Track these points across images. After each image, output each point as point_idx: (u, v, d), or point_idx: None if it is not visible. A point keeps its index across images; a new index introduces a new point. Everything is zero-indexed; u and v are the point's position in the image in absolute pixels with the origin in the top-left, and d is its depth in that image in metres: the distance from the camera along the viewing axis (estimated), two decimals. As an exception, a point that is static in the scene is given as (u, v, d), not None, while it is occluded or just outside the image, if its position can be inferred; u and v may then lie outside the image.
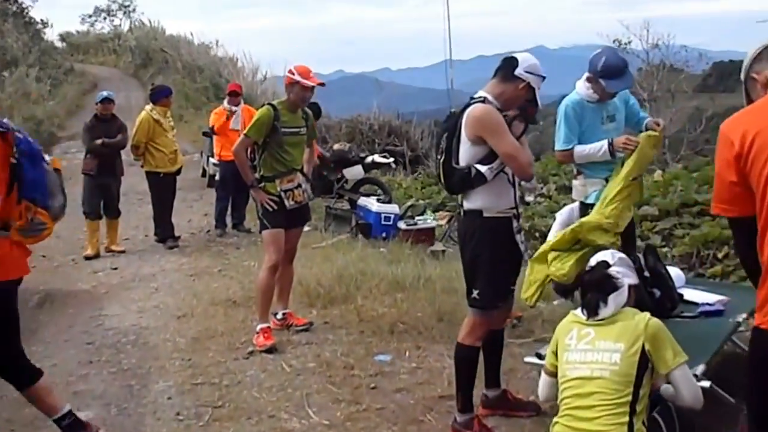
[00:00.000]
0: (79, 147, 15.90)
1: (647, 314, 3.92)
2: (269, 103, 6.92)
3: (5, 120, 4.36)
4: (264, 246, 7.01)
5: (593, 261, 4.25)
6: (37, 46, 34.85)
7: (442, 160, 4.75)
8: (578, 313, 4.06)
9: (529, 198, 11.06)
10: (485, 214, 4.70)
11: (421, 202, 13.45)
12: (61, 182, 4.67)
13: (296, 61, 6.96)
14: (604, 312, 3.95)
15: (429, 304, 7.50)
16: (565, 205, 9.13)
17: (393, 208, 12.18)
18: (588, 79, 5.73)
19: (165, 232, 11.31)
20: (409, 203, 12.90)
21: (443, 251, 10.80)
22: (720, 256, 8.90)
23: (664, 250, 9.45)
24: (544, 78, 4.77)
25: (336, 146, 13.90)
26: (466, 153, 4.65)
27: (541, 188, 13.95)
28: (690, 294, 5.84)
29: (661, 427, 4.01)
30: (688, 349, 3.95)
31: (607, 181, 5.62)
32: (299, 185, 6.93)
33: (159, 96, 11.19)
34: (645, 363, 3.77)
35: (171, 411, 5.58)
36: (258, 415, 5.42)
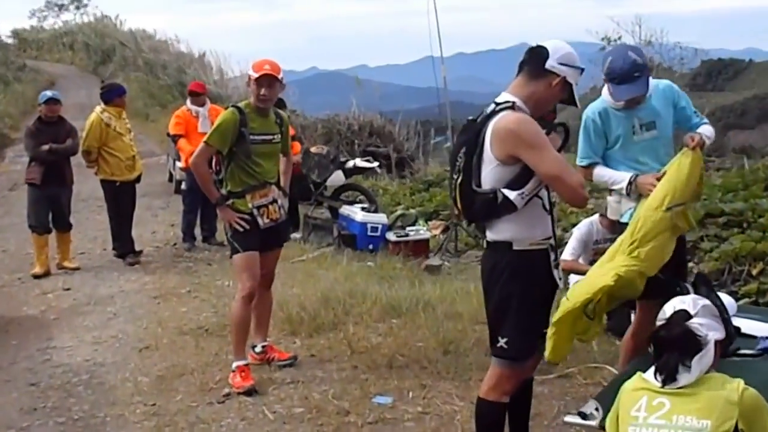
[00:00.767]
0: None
1: (740, 382, 3.18)
2: (234, 106, 6.11)
3: None
4: (236, 273, 6.27)
5: (668, 309, 3.47)
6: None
7: (458, 181, 4.02)
8: (649, 378, 3.30)
9: None
10: (516, 247, 3.96)
11: (412, 210, 12.69)
12: None
13: (267, 57, 6.20)
14: (685, 378, 3.20)
15: (431, 333, 6.80)
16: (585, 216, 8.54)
17: (380, 218, 11.49)
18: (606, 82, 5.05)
19: (124, 247, 10.49)
20: (398, 212, 12.18)
21: (440, 266, 10.11)
22: (754, 272, 8.23)
23: (689, 265, 8.78)
24: (582, 70, 4.06)
25: (313, 149, 13.13)
26: (491, 174, 3.92)
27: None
28: (745, 325, 5.10)
29: None
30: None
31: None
32: (274, 200, 6.18)
33: (111, 95, 10.36)
34: None
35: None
36: (237, 478, 4.68)
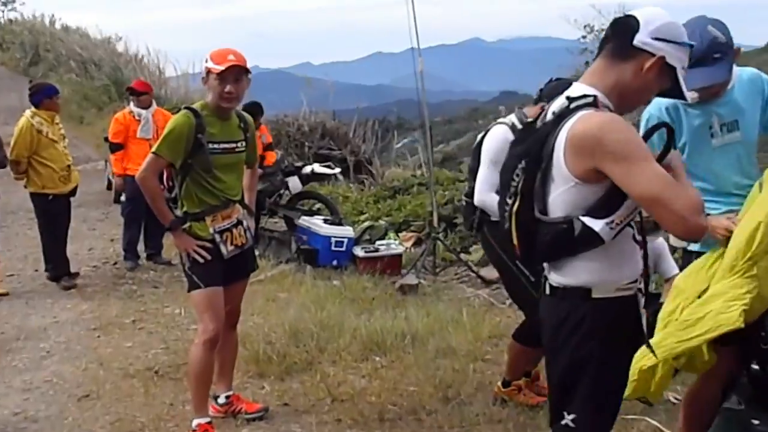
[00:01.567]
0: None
1: None
2: (188, 108, 5.12)
3: None
4: (196, 312, 5.32)
5: None
6: None
7: (515, 208, 3.12)
8: None
9: None
10: (596, 294, 3.04)
11: (380, 222, 11.74)
12: None
13: (204, 56, 5.18)
14: None
15: (424, 374, 5.95)
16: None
17: (346, 231, 10.61)
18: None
19: (58, 269, 9.47)
20: (365, 224, 11.27)
21: (416, 285, 9.24)
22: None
23: None
24: (691, 47, 3.07)
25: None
26: (565, 196, 3.02)
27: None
28: None
29: None
30: None
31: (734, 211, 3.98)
32: (239, 222, 5.27)
33: (40, 97, 9.32)
34: None
35: None
36: None
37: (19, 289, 9.38)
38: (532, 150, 3.09)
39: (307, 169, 11.76)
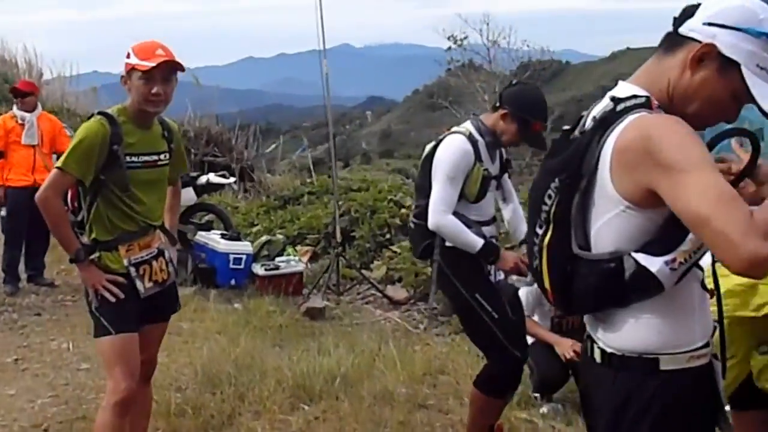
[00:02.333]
0: None
1: None
2: (102, 113, 4.06)
3: None
4: (104, 364, 4.27)
5: None
6: None
7: (547, 240, 2.28)
8: None
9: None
10: (665, 366, 2.19)
11: (279, 236, 10.67)
12: None
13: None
14: None
15: (363, 427, 5.03)
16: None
17: (244, 247, 9.59)
18: None
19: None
20: (263, 238, 10.22)
21: (323, 309, 8.32)
22: None
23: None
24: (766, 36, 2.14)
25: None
26: (611, 225, 2.21)
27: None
28: None
29: None
30: None
31: None
32: (160, 253, 4.28)
33: None
34: None
35: None
36: None
37: None
38: (569, 165, 2.26)
39: (203, 180, 10.59)
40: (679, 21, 2.22)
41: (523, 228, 4.96)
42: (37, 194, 4.02)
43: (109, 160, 3.96)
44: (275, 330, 7.46)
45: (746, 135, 2.38)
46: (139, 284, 4.13)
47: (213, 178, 10.74)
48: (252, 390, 5.51)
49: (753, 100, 2.15)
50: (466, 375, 5.92)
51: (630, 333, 2.24)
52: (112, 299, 4.02)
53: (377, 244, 10.28)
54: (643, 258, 2.13)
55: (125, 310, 4.05)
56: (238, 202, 14.79)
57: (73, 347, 6.80)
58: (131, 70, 3.97)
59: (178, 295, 4.60)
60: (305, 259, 10.37)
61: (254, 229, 11.92)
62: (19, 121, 8.82)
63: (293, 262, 9.58)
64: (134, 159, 4.05)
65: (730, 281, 3.07)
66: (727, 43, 2.13)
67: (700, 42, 2.15)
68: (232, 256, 9.34)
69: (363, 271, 9.66)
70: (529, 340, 5.28)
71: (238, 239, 9.79)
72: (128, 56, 3.99)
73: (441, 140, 4.57)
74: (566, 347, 5.48)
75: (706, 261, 2.26)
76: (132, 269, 4.12)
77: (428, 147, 4.67)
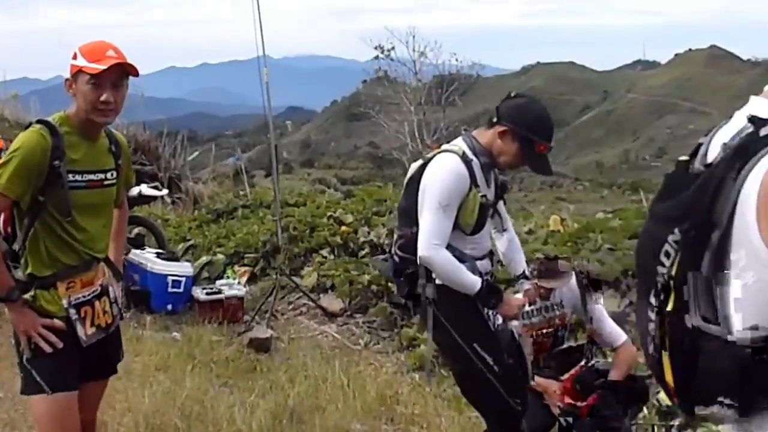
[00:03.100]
0: None
1: None
2: (42, 122, 3.31)
3: None
4: (36, 427, 3.47)
5: None
6: None
7: (665, 315, 1.74)
8: None
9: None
10: None
11: (219, 256, 9.68)
12: None
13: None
14: None
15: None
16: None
17: (184, 268, 8.65)
18: None
19: None
20: (203, 259, 9.28)
21: (269, 339, 7.40)
22: None
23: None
24: None
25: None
26: (756, 291, 1.59)
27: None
28: None
29: None
30: None
31: None
32: (104, 291, 3.51)
33: None
34: None
35: None
36: None
37: None
38: (693, 210, 1.67)
39: (134, 191, 9.56)
40: None
41: (520, 259, 4.31)
42: None
43: (49, 178, 3.21)
44: (221, 365, 6.60)
45: None
46: (80, 330, 3.36)
47: (145, 189, 9.74)
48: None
49: None
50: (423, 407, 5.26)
51: None
52: (49, 349, 3.25)
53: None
54: None
55: (63, 364, 3.30)
56: (168, 213, 13.73)
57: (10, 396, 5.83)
58: (77, 72, 3.24)
59: (122, 341, 3.77)
60: (243, 280, 9.47)
61: (185, 245, 10.86)
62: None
63: (235, 285, 8.63)
64: (77, 178, 3.31)
65: None
66: None
67: None
68: (170, 279, 8.41)
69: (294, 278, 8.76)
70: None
71: (176, 259, 8.86)
72: (75, 57, 3.26)
73: (430, 159, 3.84)
74: (555, 396, 4.74)
75: None
76: (72, 311, 3.35)
77: (414, 166, 3.96)
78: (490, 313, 3.94)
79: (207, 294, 8.26)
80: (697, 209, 1.65)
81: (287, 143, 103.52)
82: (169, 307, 8.34)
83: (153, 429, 4.87)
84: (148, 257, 8.62)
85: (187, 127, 32.08)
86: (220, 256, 9.61)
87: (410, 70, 27.71)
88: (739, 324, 1.61)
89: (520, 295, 4.30)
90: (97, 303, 3.45)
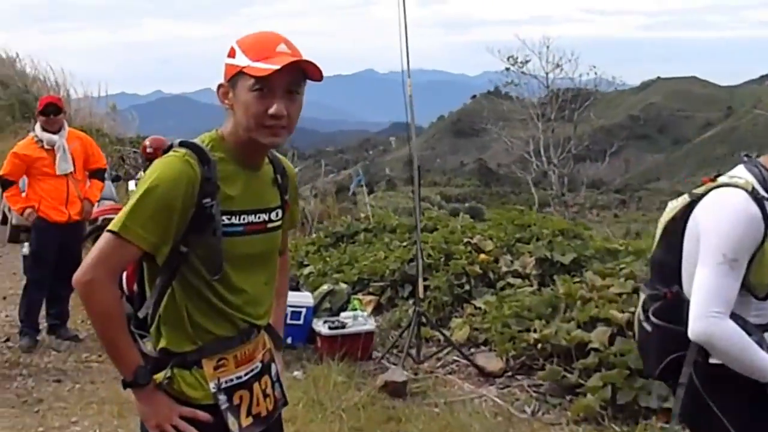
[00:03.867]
0: None
1: None
2: (187, 144, 2.37)
3: None
4: None
5: None
6: None
7: None
8: None
9: None
10: None
11: (342, 285, 8.72)
12: None
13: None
14: None
15: None
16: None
17: (304, 298, 7.77)
18: None
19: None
20: (324, 287, 8.39)
21: (405, 383, 6.45)
22: None
23: None
24: None
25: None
26: None
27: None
28: None
29: None
30: None
31: None
32: (265, 369, 2.64)
33: None
34: None
35: None
36: None
37: None
38: None
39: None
40: None
41: None
42: (76, 276, 2.29)
43: (197, 222, 2.32)
44: (351, 414, 5.71)
45: None
46: (232, 423, 2.46)
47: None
48: None
49: None
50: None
51: None
52: (191, 449, 2.34)
53: (454, 297, 8.32)
54: None
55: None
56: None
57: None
58: (237, 75, 2.31)
59: (283, 427, 2.84)
60: (369, 309, 8.58)
61: (305, 271, 10.07)
62: (46, 147, 7.10)
63: (361, 318, 7.68)
64: (234, 221, 2.39)
65: None
66: None
67: None
68: (290, 310, 7.54)
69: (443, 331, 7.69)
70: None
71: (296, 288, 8.03)
72: (232, 54, 2.34)
73: (701, 196, 2.75)
74: None
75: None
76: (222, 398, 2.45)
77: (674, 204, 2.87)
78: None
79: (330, 328, 7.34)
80: None
81: (390, 160, 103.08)
82: (289, 340, 7.50)
83: None
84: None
85: (289, 144, 31.85)
86: (343, 285, 8.68)
87: (541, 83, 26.51)
88: None
89: None
90: (255, 385, 2.56)
